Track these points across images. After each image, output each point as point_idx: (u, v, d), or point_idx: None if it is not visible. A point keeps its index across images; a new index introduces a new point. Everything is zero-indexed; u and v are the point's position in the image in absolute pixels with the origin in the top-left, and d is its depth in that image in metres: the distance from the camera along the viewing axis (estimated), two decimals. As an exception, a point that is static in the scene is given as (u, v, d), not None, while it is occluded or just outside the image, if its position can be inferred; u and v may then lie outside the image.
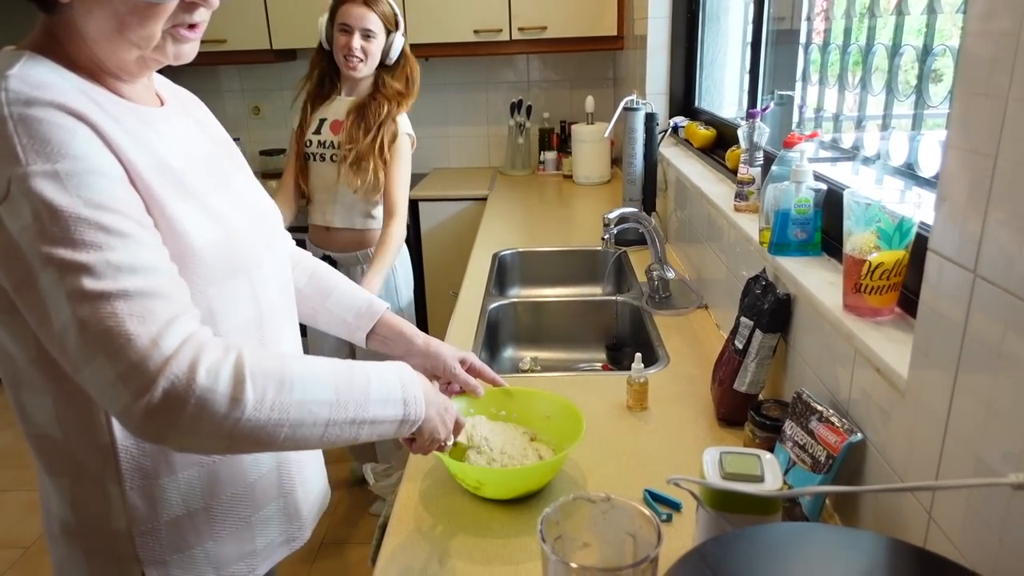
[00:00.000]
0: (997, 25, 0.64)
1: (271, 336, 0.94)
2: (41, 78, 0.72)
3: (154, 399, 0.68)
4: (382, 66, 2.12)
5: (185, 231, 0.79)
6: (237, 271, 0.86)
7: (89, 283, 0.68)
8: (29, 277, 0.70)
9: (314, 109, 2.19)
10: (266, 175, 3.57)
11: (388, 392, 0.85)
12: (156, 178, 0.78)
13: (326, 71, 2.18)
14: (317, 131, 2.16)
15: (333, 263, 2.06)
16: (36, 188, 0.68)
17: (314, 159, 2.17)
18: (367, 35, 2.04)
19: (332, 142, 2.14)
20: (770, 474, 0.89)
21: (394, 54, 2.10)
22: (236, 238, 0.86)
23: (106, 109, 0.76)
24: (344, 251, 2.23)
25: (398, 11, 2.10)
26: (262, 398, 0.73)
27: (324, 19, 2.09)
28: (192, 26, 0.79)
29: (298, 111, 2.23)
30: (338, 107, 2.17)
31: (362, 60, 2.05)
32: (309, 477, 1.05)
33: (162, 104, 0.89)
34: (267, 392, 0.73)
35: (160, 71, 0.86)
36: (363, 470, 2.06)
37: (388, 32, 2.07)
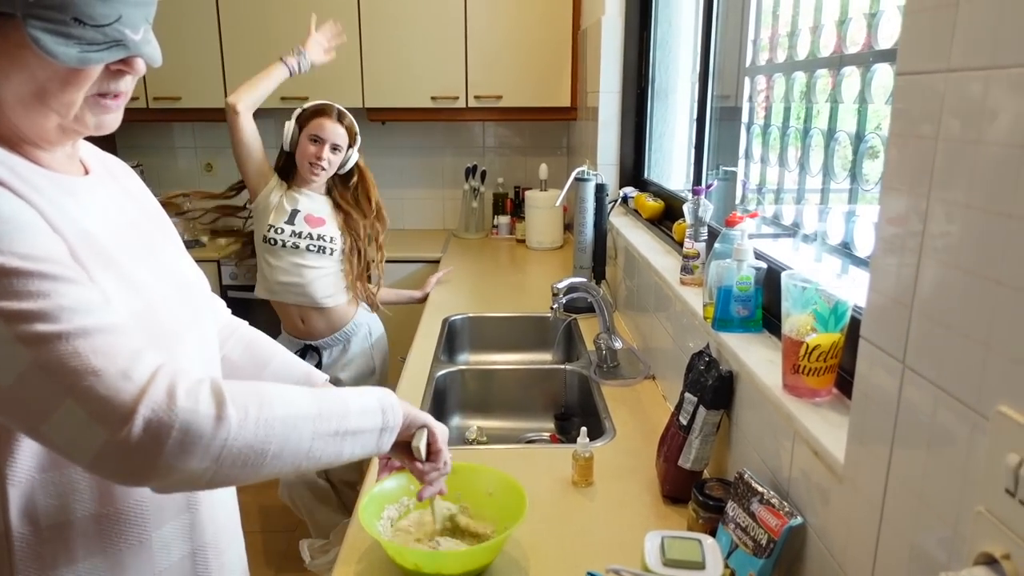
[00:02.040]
0: (917, 128, 0.67)
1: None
2: None
3: (134, 432, 0.66)
4: (335, 174, 2.29)
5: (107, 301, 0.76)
6: (157, 345, 0.82)
7: (43, 327, 0.66)
8: None
9: (279, 197, 2.27)
10: (215, 232, 3.51)
11: (365, 404, 0.87)
12: (76, 246, 0.75)
13: (286, 168, 2.31)
14: (290, 221, 2.24)
15: (315, 349, 2.31)
16: None
17: (283, 246, 2.23)
18: (335, 148, 2.19)
19: (311, 233, 2.25)
20: (711, 560, 0.88)
21: (349, 165, 2.28)
22: (156, 309, 0.83)
23: (23, 178, 0.74)
24: (325, 335, 2.32)
25: (358, 128, 2.26)
26: (245, 415, 0.72)
27: (292, 125, 2.21)
28: (116, 95, 0.78)
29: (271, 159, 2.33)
30: (309, 203, 2.27)
31: (324, 169, 2.20)
32: (227, 563, 0.98)
33: (87, 173, 0.86)
34: (249, 409, 0.73)
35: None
36: (299, 547, 1.97)
37: (349, 146, 2.23)
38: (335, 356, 2.35)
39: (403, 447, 0.99)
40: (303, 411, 0.78)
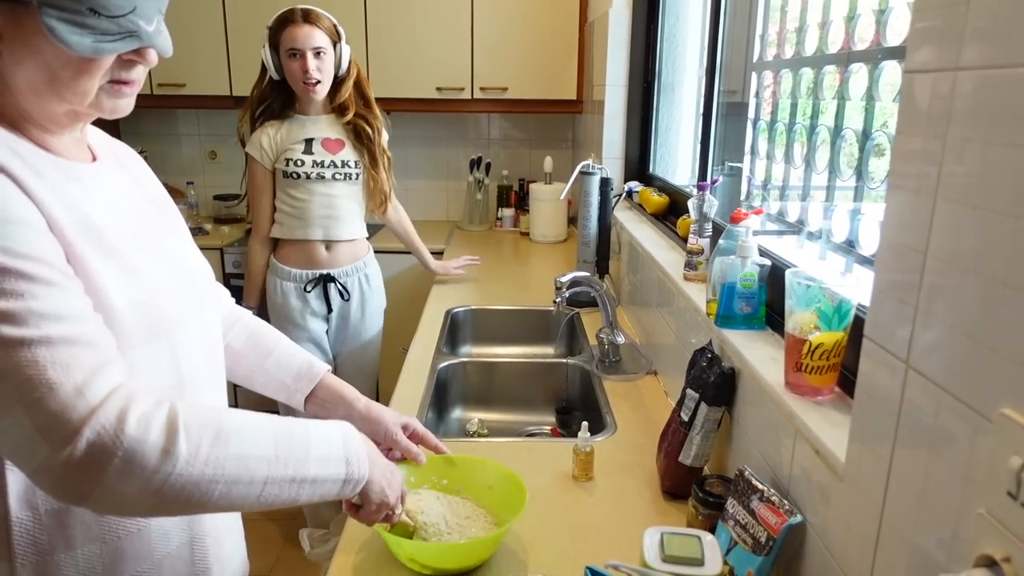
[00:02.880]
0: (924, 127, 0.67)
1: (192, 402, 0.89)
2: None
3: (76, 452, 0.64)
4: (334, 79, 2.13)
5: (105, 290, 0.76)
6: (158, 334, 0.82)
7: (8, 330, 0.65)
8: None
9: (284, 132, 2.14)
10: (219, 220, 3.52)
11: (329, 450, 0.83)
12: (77, 235, 0.75)
13: (277, 98, 2.15)
14: (308, 151, 2.12)
15: (332, 280, 2.23)
16: None
17: (307, 178, 2.13)
18: (318, 53, 2.02)
19: (333, 161, 2.15)
20: (711, 557, 0.88)
21: (344, 65, 2.10)
22: (159, 299, 0.83)
23: (28, 162, 0.74)
24: (346, 264, 2.26)
25: (336, 22, 2.10)
26: (196, 451, 0.70)
27: (266, 49, 2.06)
28: (128, 83, 0.78)
29: (251, 138, 2.18)
30: (320, 127, 2.15)
31: (319, 80, 2.04)
32: (226, 552, 0.99)
33: (94, 159, 0.86)
34: (202, 445, 0.70)
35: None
36: (299, 536, 1.98)
37: (334, 44, 2.06)
38: (357, 287, 2.31)
39: None
40: (259, 452, 0.75)
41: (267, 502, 0.77)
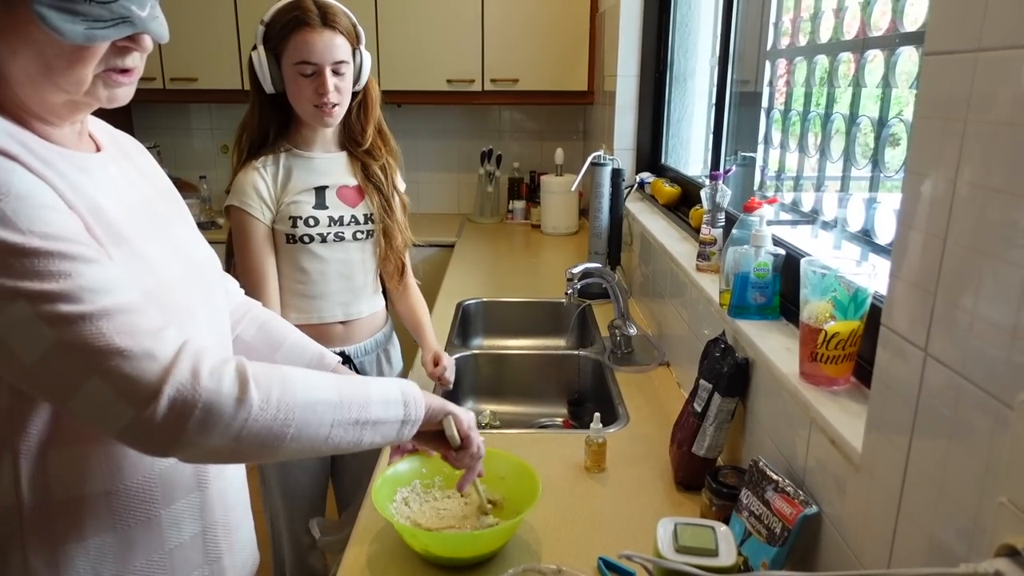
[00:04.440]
0: (944, 110, 0.65)
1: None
2: None
3: (160, 409, 0.69)
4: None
5: None
6: (167, 322, 0.82)
7: (67, 308, 0.68)
8: None
9: (284, 177, 1.54)
10: (232, 214, 3.53)
11: (387, 394, 0.88)
12: (89, 223, 0.75)
13: (272, 120, 1.56)
14: (320, 204, 1.54)
15: (348, 360, 1.64)
16: None
17: (322, 240, 1.55)
18: (338, 69, 1.47)
19: (354, 216, 1.59)
20: (724, 548, 0.87)
21: (363, 79, 1.54)
22: (169, 287, 0.83)
23: (36, 153, 0.74)
24: (365, 339, 1.70)
25: (354, 18, 1.53)
26: (267, 396, 0.74)
27: (260, 53, 1.48)
28: (126, 71, 0.77)
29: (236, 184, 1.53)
30: (333, 169, 1.59)
31: (337, 103, 1.49)
32: (237, 542, 0.99)
33: (98, 150, 0.86)
34: (272, 391, 0.75)
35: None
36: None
37: (353, 52, 1.51)
38: (375, 370, 1.74)
39: (429, 437, 0.99)
40: (324, 397, 0.80)
41: (334, 444, 0.81)
